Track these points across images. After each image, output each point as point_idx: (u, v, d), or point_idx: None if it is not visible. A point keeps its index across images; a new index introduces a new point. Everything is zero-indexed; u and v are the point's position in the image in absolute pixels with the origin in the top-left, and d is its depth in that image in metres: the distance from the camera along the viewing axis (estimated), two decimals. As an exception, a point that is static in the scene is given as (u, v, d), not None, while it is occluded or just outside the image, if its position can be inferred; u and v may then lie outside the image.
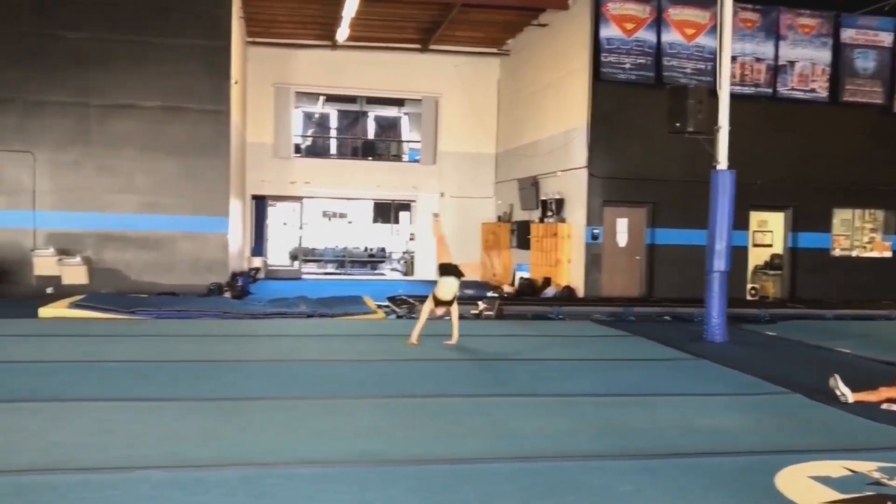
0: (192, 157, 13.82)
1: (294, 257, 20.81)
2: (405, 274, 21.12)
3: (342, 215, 25.87)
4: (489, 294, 14.62)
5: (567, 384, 6.72)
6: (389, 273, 22.38)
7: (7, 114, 13.31)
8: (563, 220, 15.26)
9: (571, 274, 14.80)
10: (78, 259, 13.20)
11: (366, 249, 24.11)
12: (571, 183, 15.06)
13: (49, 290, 12.68)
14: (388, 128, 24.10)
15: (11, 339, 8.39)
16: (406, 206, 22.17)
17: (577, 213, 14.81)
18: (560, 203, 15.43)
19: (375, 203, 24.17)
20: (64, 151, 13.48)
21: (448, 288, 8.21)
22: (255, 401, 5.75)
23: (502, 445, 4.73)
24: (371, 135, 23.44)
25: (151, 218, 13.73)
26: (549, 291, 14.71)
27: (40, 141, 13.40)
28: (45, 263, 13.13)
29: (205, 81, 13.82)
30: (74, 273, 13.10)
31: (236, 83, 15.00)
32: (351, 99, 21.52)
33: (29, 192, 13.44)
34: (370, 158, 21.45)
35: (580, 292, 14.32)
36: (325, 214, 25.19)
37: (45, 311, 10.51)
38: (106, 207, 13.61)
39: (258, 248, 19.62)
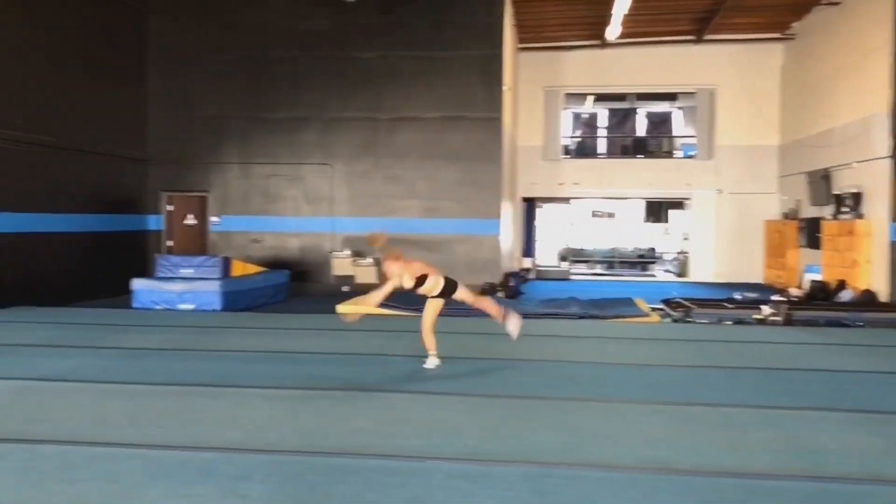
0: (467, 164, 14.48)
1: (563, 258, 20.95)
2: (679, 275, 20.35)
3: (610, 215, 25.58)
4: (774, 297, 13.60)
5: (875, 399, 6.03)
6: (661, 274, 21.71)
7: (309, 131, 14.88)
8: (860, 217, 13.79)
9: (871, 276, 13.31)
10: (369, 260, 14.40)
11: (635, 250, 23.61)
12: (870, 175, 13.56)
13: (345, 289, 13.96)
14: (660, 124, 23.38)
15: (312, 332, 9.34)
16: (678, 205, 21.36)
17: (877, 208, 13.30)
18: (857, 197, 13.95)
19: (646, 202, 23.59)
20: (357, 162, 14.80)
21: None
22: (532, 399, 5.85)
23: (799, 462, 4.36)
24: (641, 132, 22.91)
25: (432, 222, 14.60)
26: (845, 295, 13.36)
27: (337, 154, 14.82)
28: (341, 264, 14.49)
29: (480, 90, 14.42)
30: (366, 273, 14.30)
31: (508, 89, 15.44)
32: (620, 97, 21.21)
33: (328, 200, 14.92)
34: (640, 156, 20.98)
35: (883, 296, 12.83)
36: (594, 214, 25.07)
37: (342, 308, 11.57)
38: (392, 213, 14.70)
39: (528, 249, 20.02)
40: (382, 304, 11.40)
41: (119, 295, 12.52)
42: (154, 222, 15.21)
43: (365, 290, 13.63)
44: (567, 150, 21.05)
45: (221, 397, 5.86)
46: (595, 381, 6.61)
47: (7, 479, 3.94)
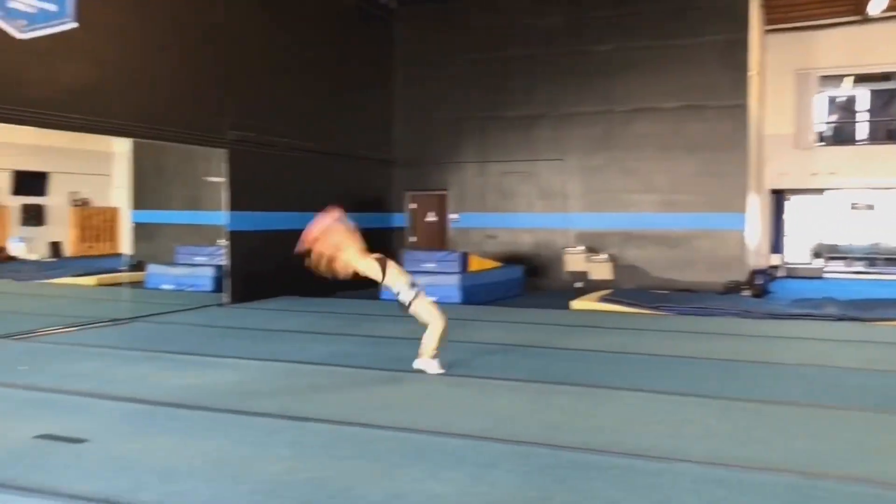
0: (709, 154, 13.82)
1: (816, 255, 19.33)
2: (957, 274, 17.97)
3: (869, 207, 23.15)
4: None
5: None
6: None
7: (543, 127, 14.99)
8: None
9: None
10: (604, 256, 14.23)
11: (903, 245, 21.18)
12: None
13: (578, 285, 13.91)
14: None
15: (549, 327, 9.39)
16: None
17: None
18: None
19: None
20: (591, 157, 14.67)
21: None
22: (787, 405, 5.48)
23: None
24: (910, 114, 20.47)
25: (669, 216, 14.11)
26: None
27: (571, 148, 14.79)
28: (574, 260, 14.44)
29: (722, 77, 13.70)
30: (600, 269, 14.14)
31: (755, 74, 14.52)
32: (885, 76, 19.12)
33: (561, 196, 14.94)
34: (910, 141, 18.77)
35: None
36: (853, 207, 22.85)
37: (576, 304, 11.57)
38: (627, 207, 14.40)
39: (776, 244, 18.70)
40: (623, 302, 11.24)
41: (369, 287, 13.41)
42: (399, 220, 16.12)
43: (599, 287, 13.56)
44: (821, 137, 19.36)
45: (465, 387, 6.08)
46: (859, 388, 6.05)
47: (281, 450, 4.38)
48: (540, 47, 14.91)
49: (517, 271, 13.94)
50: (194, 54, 10.83)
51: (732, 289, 13.17)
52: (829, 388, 6.04)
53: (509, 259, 14.64)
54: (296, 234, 12.68)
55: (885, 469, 4.09)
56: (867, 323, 9.79)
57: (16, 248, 14.49)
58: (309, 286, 12.73)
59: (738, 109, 13.72)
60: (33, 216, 15.67)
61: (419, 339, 8.34)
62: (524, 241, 15.20)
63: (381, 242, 15.50)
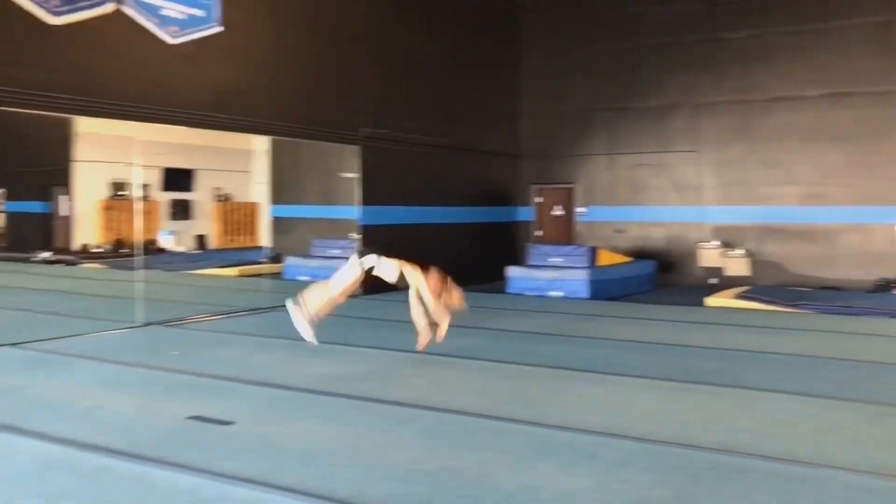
0: (857, 144, 12.98)
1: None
2: None
3: None
4: None
5: None
6: None
7: (677, 117, 14.54)
8: None
9: None
10: (740, 251, 13.66)
11: None
12: None
13: (713, 281, 13.42)
14: None
15: (683, 324, 9.12)
16: None
17: None
18: None
19: None
20: (727, 148, 14.10)
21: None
22: (949, 413, 5.09)
23: None
24: None
25: (812, 210, 13.37)
26: None
27: (706, 140, 14.27)
28: (708, 255, 13.95)
29: (874, 61, 12.83)
30: (737, 265, 13.59)
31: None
32: None
33: (695, 189, 14.44)
34: None
35: None
36: None
37: (711, 301, 11.18)
38: (766, 200, 13.76)
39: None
40: (761, 299, 10.75)
41: (493, 281, 13.48)
42: (525, 213, 16.08)
43: (734, 283, 13.04)
44: None
45: (597, 383, 6.01)
46: None
47: (414, 440, 4.48)
48: (674, 35, 14.45)
49: (648, 266, 13.60)
50: (330, 54, 11.20)
51: (883, 287, 12.33)
52: None
53: (640, 254, 14.31)
54: (425, 227, 12.91)
55: None
56: None
57: (165, 241, 15.50)
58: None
59: (891, 96, 12.81)
60: (181, 211, 16.71)
61: (547, 333, 8.31)
62: (655, 236, 14.80)
63: (506, 237, 15.55)
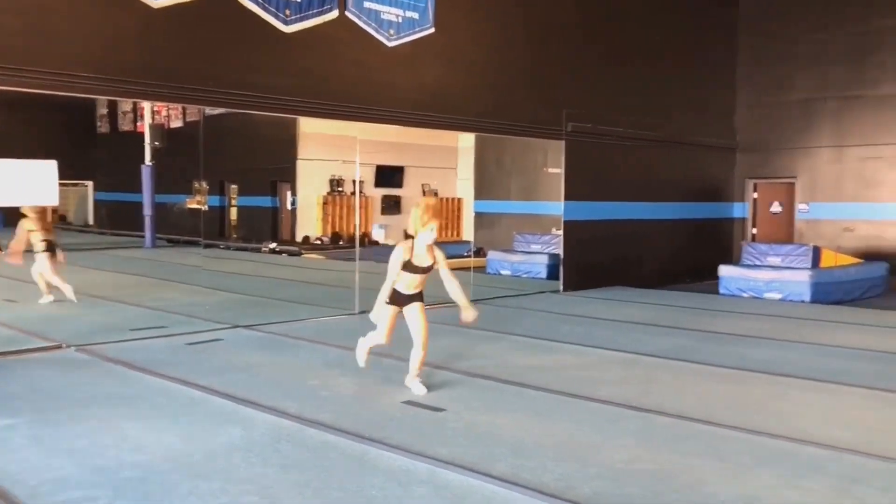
0: None
1: None
2: None
3: None
4: None
5: None
6: None
7: None
8: None
9: None
10: None
11: None
12: None
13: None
14: None
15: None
16: None
17: None
18: None
19: None
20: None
21: None
22: None
23: None
24: None
25: None
26: None
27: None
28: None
29: None
30: None
31: None
32: None
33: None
34: None
35: None
36: None
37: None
38: None
39: None
40: None
41: (704, 280, 12.89)
42: (739, 210, 15.22)
43: None
44: None
45: (822, 392, 5.58)
46: None
47: (625, 440, 4.39)
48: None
49: (880, 268, 12.38)
50: (537, 50, 11.22)
51: None
52: None
53: (870, 255, 13.07)
54: (632, 223, 12.68)
55: None
56: None
57: (377, 234, 16.35)
58: (641, 277, 12.63)
59: None
60: (392, 206, 17.55)
61: (764, 337, 7.83)
62: (889, 235, 13.45)
63: (718, 234, 14.81)
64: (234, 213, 18.04)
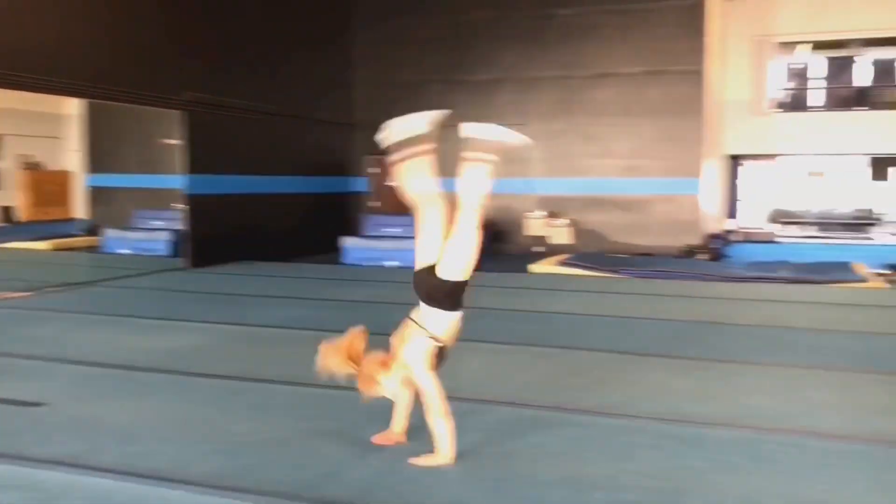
0: (667, 120, 13.95)
1: (772, 220, 19.69)
2: (905, 238, 18.45)
3: (821, 174, 23.58)
4: None
5: None
6: (882, 237, 19.81)
7: (505, 91, 14.94)
8: None
9: None
10: (564, 221, 14.33)
11: (854, 211, 21.67)
12: None
13: (537, 249, 14.00)
14: (887, 73, 21.15)
15: (507, 290, 9.43)
16: (905, 161, 19.28)
17: None
18: None
19: (869, 158, 21.51)
20: (552, 121, 14.65)
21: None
22: (742, 364, 5.61)
23: None
24: (865, 82, 20.82)
25: (629, 181, 14.23)
26: None
27: (532, 113, 14.72)
28: (534, 225, 14.53)
29: (681, 42, 13.79)
30: (560, 234, 14.25)
31: (713, 40, 14.62)
32: (839, 44, 19.37)
33: (522, 161, 14.92)
34: (865, 108, 19.10)
35: None
36: (809, 174, 23.28)
37: (534, 267, 11.66)
38: (587, 172, 14.49)
39: (732, 209, 18.99)
40: (578, 265, 11.33)
41: (329, 252, 13.35)
42: (360, 184, 15.99)
43: (558, 251, 13.65)
44: (778, 104, 19.59)
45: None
46: (808, 348, 6.22)
47: (244, 413, 4.37)
48: (506, 10, 14.79)
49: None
50: (149, 13, 10.54)
51: (689, 252, 13.40)
52: (780, 348, 6.20)
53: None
54: (255, 197, 12.55)
55: (835, 422, 4.23)
56: (820, 285, 10.05)
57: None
58: (268, 251, 12.66)
59: (694, 75, 13.85)
60: (-19, 179, 15.26)
61: (376, 302, 8.34)
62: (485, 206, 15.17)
63: (341, 207, 15.42)
64: None
